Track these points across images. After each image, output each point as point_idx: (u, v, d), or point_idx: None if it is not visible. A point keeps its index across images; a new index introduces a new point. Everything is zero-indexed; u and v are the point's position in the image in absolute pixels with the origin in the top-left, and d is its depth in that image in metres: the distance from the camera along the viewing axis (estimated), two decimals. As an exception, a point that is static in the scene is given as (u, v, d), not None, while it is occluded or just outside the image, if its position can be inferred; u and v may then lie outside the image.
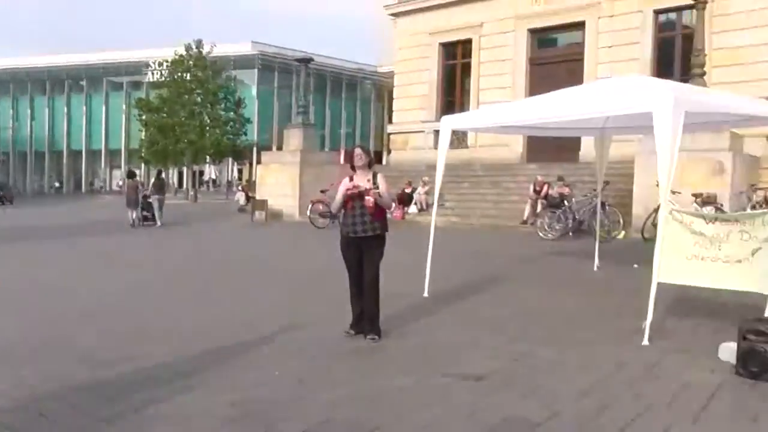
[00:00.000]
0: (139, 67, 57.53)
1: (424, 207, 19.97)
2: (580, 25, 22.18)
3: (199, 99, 41.93)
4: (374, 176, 6.29)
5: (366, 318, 6.27)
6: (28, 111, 64.89)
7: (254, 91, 55.18)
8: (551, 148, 19.98)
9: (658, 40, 20.92)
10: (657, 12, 20.73)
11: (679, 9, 19.99)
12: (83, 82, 63.65)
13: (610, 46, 21.21)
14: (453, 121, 8.83)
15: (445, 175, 8.77)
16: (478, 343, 6.16)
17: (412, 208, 20.52)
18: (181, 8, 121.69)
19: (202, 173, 56.85)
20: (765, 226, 6.00)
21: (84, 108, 63.03)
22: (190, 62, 41.37)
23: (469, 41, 24.85)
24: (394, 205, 19.08)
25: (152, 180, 24.58)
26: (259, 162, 26.22)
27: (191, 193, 43.17)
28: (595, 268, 10.35)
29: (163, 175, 25.42)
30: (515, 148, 22.67)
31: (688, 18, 19.54)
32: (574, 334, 6.49)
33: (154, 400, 4.52)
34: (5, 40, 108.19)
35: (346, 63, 54.99)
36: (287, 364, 5.44)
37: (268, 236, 18.03)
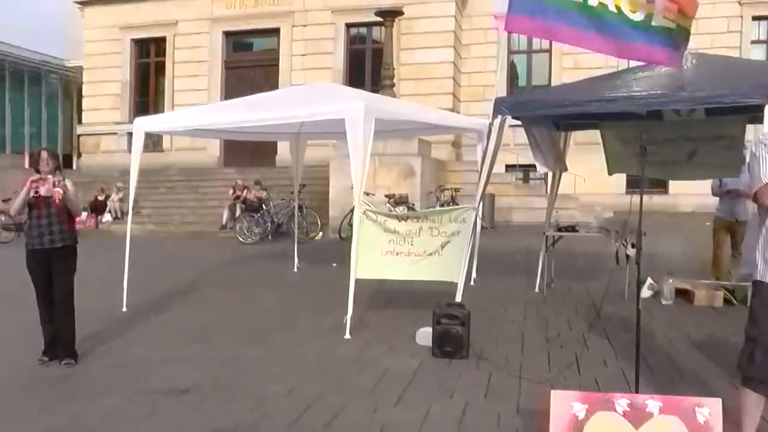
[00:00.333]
0: None
1: (119, 215, 18.73)
2: (275, 32, 22.54)
3: None
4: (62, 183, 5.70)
5: (60, 341, 5.65)
6: None
7: None
8: (249, 152, 20.09)
9: (351, 52, 22.12)
10: (348, 25, 21.93)
11: (369, 24, 21.28)
12: None
13: (304, 54, 21.92)
14: (147, 123, 8.37)
15: (140, 180, 8.28)
16: (182, 353, 5.95)
17: (107, 217, 19.13)
18: None
19: None
20: (452, 222, 6.73)
21: None
22: None
23: (163, 39, 23.77)
24: (86, 214, 17.63)
25: None
26: None
27: None
28: (296, 269, 10.63)
29: None
30: (212, 152, 22.34)
31: (378, 34, 20.97)
32: (278, 335, 6.60)
33: None
34: None
35: (28, 53, 48.75)
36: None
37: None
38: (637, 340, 3.99)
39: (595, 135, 8.88)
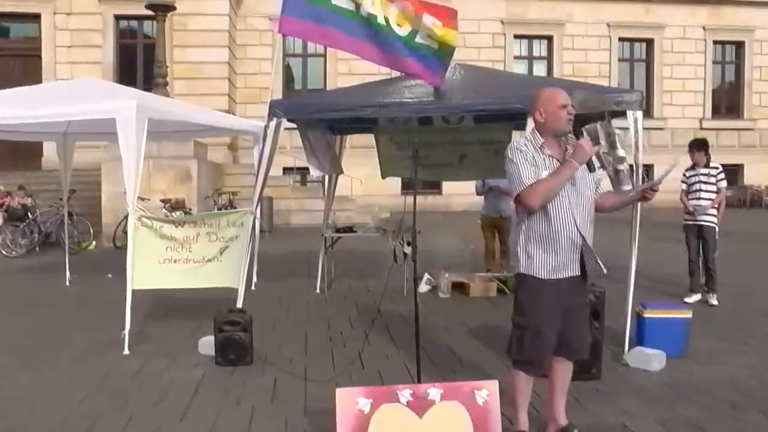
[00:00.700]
0: None
1: None
2: (36, 18, 20.39)
3: None
4: None
5: None
6: None
7: None
8: (10, 153, 18.27)
9: (121, 46, 20.79)
10: (118, 17, 20.56)
11: (140, 18, 20.07)
12: None
13: (69, 46, 20.18)
14: None
15: None
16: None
17: None
18: None
19: None
20: (230, 226, 6.58)
21: None
22: None
23: None
24: None
25: None
26: None
27: None
28: (68, 283, 9.79)
29: None
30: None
31: (150, 28, 19.93)
32: (52, 354, 6.03)
33: None
34: None
35: None
36: None
37: None
38: (416, 332, 4.19)
39: (371, 139, 9.24)
